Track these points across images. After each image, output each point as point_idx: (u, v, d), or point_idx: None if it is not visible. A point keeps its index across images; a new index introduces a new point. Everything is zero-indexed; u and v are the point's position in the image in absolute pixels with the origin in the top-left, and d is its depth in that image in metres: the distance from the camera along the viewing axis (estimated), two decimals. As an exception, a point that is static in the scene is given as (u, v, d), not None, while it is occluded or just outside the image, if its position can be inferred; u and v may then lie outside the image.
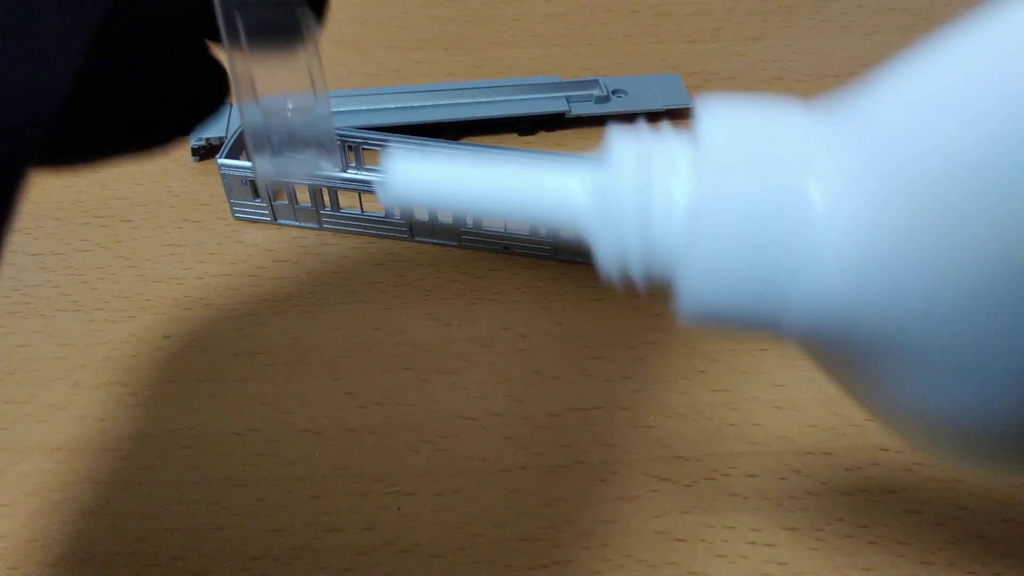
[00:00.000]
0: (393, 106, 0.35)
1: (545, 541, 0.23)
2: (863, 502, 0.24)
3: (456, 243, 0.32)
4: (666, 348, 0.28)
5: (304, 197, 0.32)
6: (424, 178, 0.15)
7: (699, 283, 0.12)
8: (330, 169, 0.17)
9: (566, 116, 0.36)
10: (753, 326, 0.12)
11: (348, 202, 0.32)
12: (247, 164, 0.31)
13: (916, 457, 0.25)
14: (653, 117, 0.37)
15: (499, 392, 0.27)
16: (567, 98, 0.36)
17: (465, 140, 0.35)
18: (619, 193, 0.13)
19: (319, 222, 0.32)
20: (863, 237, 0.11)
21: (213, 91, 0.17)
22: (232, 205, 0.32)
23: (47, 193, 0.33)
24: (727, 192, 0.12)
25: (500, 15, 0.43)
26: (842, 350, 0.12)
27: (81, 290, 0.30)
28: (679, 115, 0.37)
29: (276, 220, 0.32)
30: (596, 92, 0.36)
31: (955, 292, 0.10)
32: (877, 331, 0.11)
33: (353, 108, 0.35)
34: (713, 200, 0.12)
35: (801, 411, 0.26)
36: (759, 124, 0.12)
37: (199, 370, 0.28)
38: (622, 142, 0.13)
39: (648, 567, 0.23)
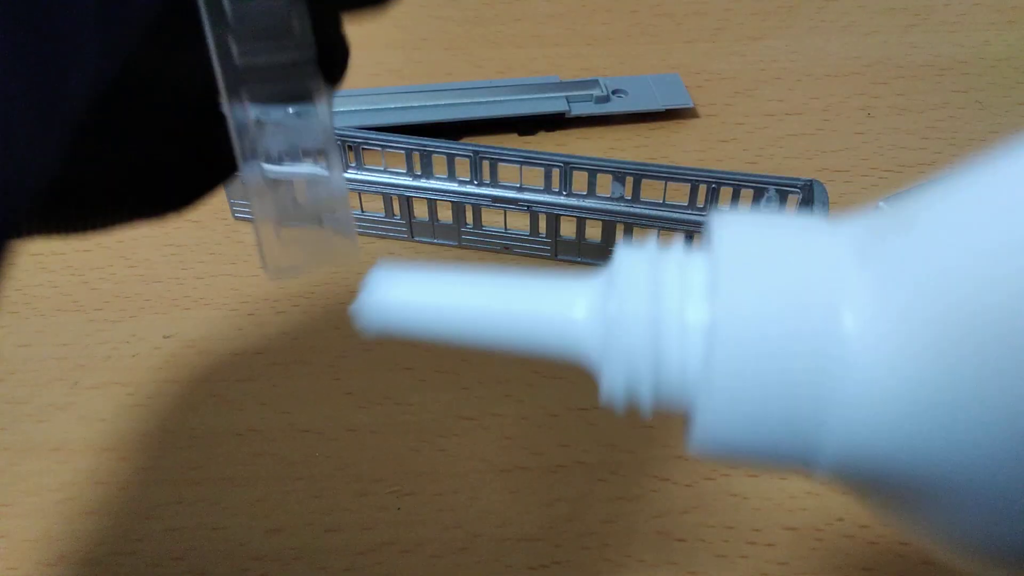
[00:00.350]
0: (393, 106, 0.35)
1: (545, 541, 0.23)
2: (863, 502, 0.24)
3: (456, 243, 0.32)
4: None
5: (304, 197, 0.32)
6: (407, 301, 0.13)
7: (717, 417, 0.11)
8: (347, 256, 0.15)
9: (566, 116, 0.36)
10: (777, 463, 0.11)
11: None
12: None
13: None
14: (653, 117, 0.37)
15: (499, 392, 0.27)
16: (567, 98, 0.36)
17: (465, 140, 0.35)
18: (628, 320, 0.12)
19: (319, 222, 0.32)
20: (905, 377, 0.10)
21: (231, 152, 0.16)
22: (232, 205, 0.32)
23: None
24: (751, 320, 0.11)
25: (500, 15, 0.43)
26: (879, 487, 0.11)
27: (81, 290, 0.30)
28: (679, 114, 0.37)
29: (276, 220, 0.32)
30: (596, 92, 0.36)
31: (1003, 435, 0.10)
32: (920, 471, 0.10)
33: (353, 108, 0.35)
34: (735, 328, 0.11)
35: (801, 411, 0.26)
36: (782, 245, 0.11)
37: (199, 370, 0.28)
38: (630, 261, 0.12)
39: (648, 567, 0.23)
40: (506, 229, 0.31)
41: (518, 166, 0.30)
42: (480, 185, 0.31)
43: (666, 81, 0.38)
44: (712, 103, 0.38)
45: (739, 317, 0.11)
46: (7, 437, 0.26)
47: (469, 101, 0.36)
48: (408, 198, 0.31)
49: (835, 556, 0.23)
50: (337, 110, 0.35)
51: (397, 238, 0.32)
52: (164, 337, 0.29)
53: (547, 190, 0.31)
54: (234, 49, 0.13)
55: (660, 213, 0.30)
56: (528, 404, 0.27)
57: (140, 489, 0.25)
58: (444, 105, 0.36)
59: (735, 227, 0.12)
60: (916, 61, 0.40)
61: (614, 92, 0.37)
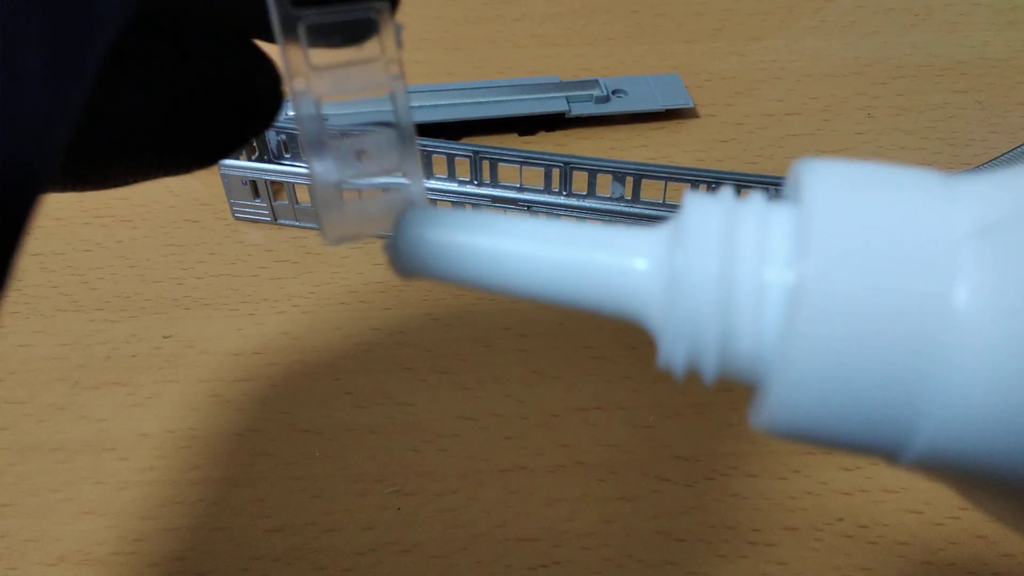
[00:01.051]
0: (393, 106, 0.35)
1: (545, 541, 0.23)
2: (863, 502, 0.24)
3: (456, 243, 0.32)
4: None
5: (304, 197, 0.32)
6: (447, 238, 0.12)
7: (795, 392, 0.10)
8: (416, 200, 0.13)
9: (566, 116, 0.36)
10: (858, 447, 0.10)
11: (348, 202, 0.32)
12: (248, 164, 0.31)
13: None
14: (653, 117, 0.37)
15: (499, 392, 0.27)
16: (567, 98, 0.36)
17: (465, 140, 0.35)
18: (696, 276, 0.10)
19: (320, 222, 0.32)
20: (1018, 368, 0.09)
21: (266, 101, 0.15)
22: (232, 205, 0.32)
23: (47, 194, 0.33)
24: (845, 284, 0.09)
25: (500, 15, 0.43)
26: (972, 478, 0.10)
27: (81, 290, 0.30)
28: (679, 115, 0.37)
29: (276, 220, 0.32)
30: (596, 92, 0.36)
31: None
32: (1018, 468, 0.10)
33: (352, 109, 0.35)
34: (825, 291, 0.09)
35: (801, 411, 0.26)
36: (887, 201, 0.10)
37: (199, 370, 0.28)
38: (701, 211, 0.11)
39: (648, 567, 0.23)
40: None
41: (518, 166, 0.30)
42: (480, 185, 0.31)
43: (666, 81, 0.38)
44: (712, 103, 0.38)
45: (831, 279, 0.09)
46: (7, 437, 0.26)
47: (469, 101, 0.36)
48: (408, 198, 0.31)
49: (835, 556, 0.23)
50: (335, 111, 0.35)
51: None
52: (164, 337, 0.29)
53: (547, 190, 0.31)
54: None
55: (660, 213, 0.30)
56: (528, 404, 0.27)
57: (140, 489, 0.25)
58: (444, 105, 0.36)
59: (830, 176, 0.10)
60: (916, 61, 0.40)
61: (614, 92, 0.37)
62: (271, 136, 0.32)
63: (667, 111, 0.36)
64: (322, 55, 0.12)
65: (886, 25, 0.42)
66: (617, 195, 0.30)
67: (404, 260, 0.12)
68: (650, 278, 0.11)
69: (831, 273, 0.10)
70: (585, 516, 0.24)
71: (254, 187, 0.32)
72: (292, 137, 0.32)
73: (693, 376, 0.11)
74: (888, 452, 0.10)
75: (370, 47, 0.12)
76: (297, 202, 0.32)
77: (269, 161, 0.32)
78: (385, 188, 0.13)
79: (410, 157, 0.13)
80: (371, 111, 0.13)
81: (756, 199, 0.11)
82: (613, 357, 0.28)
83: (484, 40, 0.42)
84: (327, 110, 0.12)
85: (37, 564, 0.23)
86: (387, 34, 0.12)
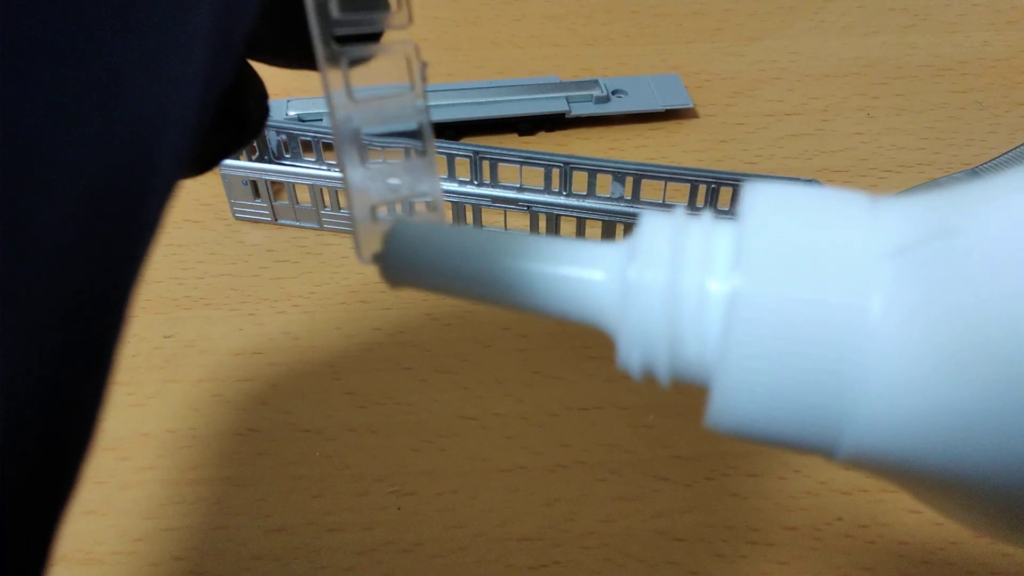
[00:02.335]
0: (393, 106, 0.35)
1: (545, 541, 0.23)
2: (862, 502, 0.24)
3: (456, 243, 0.32)
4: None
5: (304, 197, 0.32)
6: (430, 252, 0.13)
7: (734, 393, 0.11)
8: (430, 185, 0.15)
9: (566, 116, 0.36)
10: (795, 444, 0.11)
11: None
12: (248, 164, 0.31)
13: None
14: (652, 117, 0.37)
15: (499, 392, 0.27)
16: (567, 98, 0.36)
17: (466, 140, 0.35)
18: (646, 287, 0.11)
19: (319, 222, 0.32)
20: (929, 376, 0.10)
21: (256, 113, 0.16)
22: (232, 205, 0.32)
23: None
24: (774, 295, 0.10)
25: (500, 16, 0.43)
26: (900, 473, 0.11)
27: (81, 290, 0.30)
28: (678, 115, 0.37)
29: (276, 220, 0.32)
30: (596, 92, 0.36)
31: None
32: (942, 465, 0.10)
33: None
34: (757, 301, 0.10)
35: (801, 411, 0.26)
36: (816, 220, 0.11)
37: (199, 370, 0.28)
38: (653, 228, 0.12)
39: (648, 567, 0.23)
40: (506, 229, 0.31)
41: (518, 166, 0.30)
42: (480, 185, 0.31)
43: (666, 81, 0.38)
44: (712, 103, 0.38)
45: (762, 291, 0.10)
46: (7, 437, 0.26)
47: (469, 101, 0.36)
48: (408, 198, 0.31)
49: (834, 556, 0.23)
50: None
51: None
52: (165, 337, 0.29)
53: (547, 190, 0.31)
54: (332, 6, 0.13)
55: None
56: (528, 404, 0.27)
57: (141, 489, 0.25)
58: (444, 105, 0.36)
59: (767, 197, 0.11)
60: (915, 61, 0.40)
61: (614, 92, 0.37)
62: (271, 136, 0.32)
63: (667, 111, 0.37)
64: (360, 90, 0.13)
65: (885, 25, 0.42)
66: (617, 195, 0.30)
67: (393, 272, 0.14)
68: (607, 289, 0.12)
69: (761, 286, 0.10)
70: (585, 515, 0.24)
71: (254, 187, 0.32)
72: (292, 137, 0.32)
73: (650, 378, 0.12)
74: (822, 450, 0.11)
75: (400, 82, 0.14)
76: (297, 202, 0.32)
77: (269, 161, 0.32)
78: (410, 207, 0.15)
79: (434, 177, 0.15)
80: (396, 141, 0.15)
81: (706, 217, 0.12)
82: (613, 357, 0.28)
83: (484, 41, 0.42)
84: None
85: (38, 564, 0.23)
86: (415, 70, 0.14)
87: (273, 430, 0.26)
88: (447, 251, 0.13)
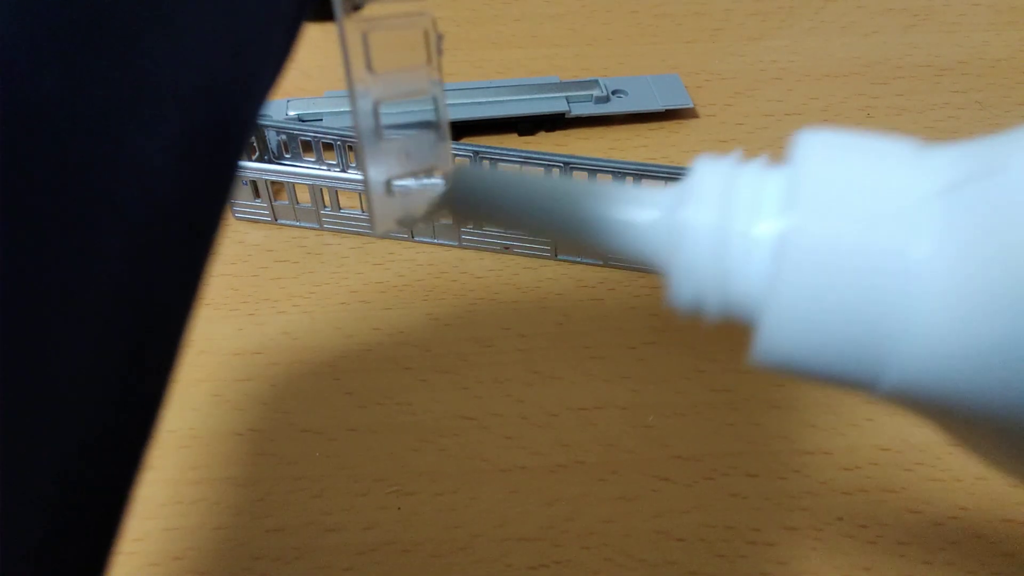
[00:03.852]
0: (393, 106, 0.35)
1: (545, 540, 0.23)
2: (862, 502, 0.24)
3: (457, 243, 0.32)
4: (666, 348, 0.28)
5: (305, 197, 0.32)
6: (492, 182, 0.14)
7: (781, 329, 0.11)
8: (443, 164, 0.16)
9: (566, 116, 0.36)
10: (838, 380, 0.11)
11: (349, 202, 0.32)
12: (248, 164, 0.31)
13: (915, 456, 0.25)
14: (652, 117, 0.37)
15: (499, 392, 0.27)
16: (567, 98, 0.36)
17: (466, 140, 0.35)
18: (696, 228, 0.12)
19: (319, 222, 0.32)
20: (972, 313, 0.10)
21: None
22: (232, 205, 0.32)
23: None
24: (822, 236, 0.11)
25: (500, 15, 0.43)
26: (941, 412, 0.11)
27: (81, 290, 0.30)
28: (678, 115, 0.37)
29: (276, 220, 0.32)
30: (596, 92, 0.36)
31: None
32: (982, 404, 0.11)
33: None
34: (804, 242, 0.11)
35: (800, 411, 0.26)
36: (866, 165, 0.11)
37: (199, 370, 0.28)
38: (706, 171, 0.12)
39: (648, 566, 0.23)
40: (507, 229, 0.31)
41: (518, 166, 0.30)
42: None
43: (666, 81, 0.38)
44: (712, 103, 0.38)
45: (812, 230, 0.11)
46: (7, 437, 0.26)
47: (469, 101, 0.36)
48: (408, 198, 0.31)
49: (834, 556, 0.23)
50: (339, 110, 0.35)
51: (397, 238, 0.32)
52: (164, 337, 0.29)
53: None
54: None
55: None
56: (528, 404, 0.27)
57: (140, 488, 0.25)
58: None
59: (818, 143, 0.12)
60: (915, 61, 0.40)
61: (614, 92, 0.37)
62: (272, 136, 0.32)
63: (667, 111, 0.36)
64: (378, 63, 0.14)
65: (885, 25, 0.42)
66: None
67: (461, 208, 0.14)
68: (660, 228, 0.13)
69: (810, 226, 0.11)
70: (585, 515, 0.24)
71: (254, 187, 0.32)
72: (292, 137, 0.32)
73: (696, 322, 0.13)
74: (864, 384, 0.11)
75: (416, 55, 0.14)
76: (297, 202, 0.32)
77: (270, 161, 0.32)
78: (423, 185, 0.15)
79: (445, 153, 0.15)
80: (411, 111, 0.15)
81: (757, 162, 0.12)
82: (613, 357, 0.28)
83: (485, 40, 0.42)
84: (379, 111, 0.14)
85: (37, 564, 0.23)
86: (431, 42, 0.14)
87: (273, 430, 0.26)
88: (510, 192, 0.14)
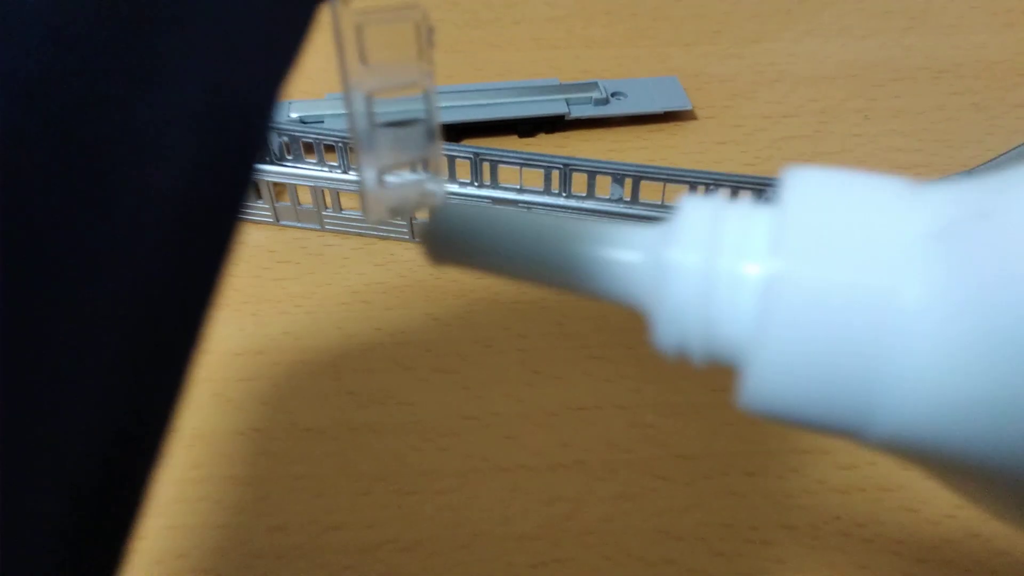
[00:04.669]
0: (394, 108, 0.35)
1: (545, 539, 0.24)
2: (860, 500, 0.24)
3: (456, 244, 0.32)
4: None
5: (306, 198, 0.32)
6: (471, 232, 0.14)
7: (767, 375, 0.11)
8: (435, 202, 0.16)
9: (566, 118, 0.36)
10: (826, 427, 0.11)
11: (350, 203, 0.32)
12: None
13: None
14: (651, 119, 0.37)
15: (499, 392, 0.27)
16: (567, 100, 0.36)
17: (465, 142, 0.35)
18: (681, 269, 0.12)
19: (321, 223, 0.32)
20: (962, 366, 0.10)
21: None
22: (234, 206, 0.32)
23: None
24: (811, 279, 0.10)
25: (500, 18, 0.44)
26: (930, 462, 0.11)
27: (84, 290, 0.30)
28: (677, 117, 0.37)
29: (278, 221, 0.33)
30: (595, 94, 0.36)
31: None
32: (972, 457, 0.10)
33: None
34: (793, 285, 0.10)
35: (799, 411, 0.26)
36: (856, 206, 0.11)
37: (201, 370, 0.28)
38: (692, 211, 0.12)
39: (647, 565, 0.23)
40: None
41: (518, 168, 0.30)
42: (480, 187, 0.31)
43: (665, 84, 0.38)
44: (710, 105, 0.38)
45: (799, 273, 0.10)
46: (11, 436, 0.26)
47: (469, 103, 0.36)
48: (409, 199, 0.31)
49: (832, 554, 0.23)
50: (338, 113, 0.35)
51: (398, 239, 0.32)
52: (167, 337, 0.29)
53: (547, 192, 0.31)
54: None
55: (659, 215, 0.30)
56: (528, 404, 0.27)
57: (143, 488, 0.25)
58: (444, 107, 0.36)
59: (808, 182, 0.11)
60: (913, 64, 0.40)
61: (613, 94, 0.37)
62: (273, 138, 0.32)
63: (666, 113, 0.37)
64: (371, 56, 0.14)
65: (883, 28, 0.42)
66: (616, 197, 0.30)
67: (437, 250, 0.14)
68: (644, 270, 0.12)
69: (798, 268, 0.11)
70: (585, 514, 0.24)
71: (256, 188, 0.32)
72: (294, 139, 0.32)
73: (685, 365, 0.12)
74: (853, 432, 0.11)
75: (408, 48, 0.15)
76: (299, 203, 0.32)
77: (271, 163, 0.32)
78: (415, 178, 0.16)
79: (435, 148, 0.16)
80: (404, 109, 0.16)
81: (744, 202, 0.12)
82: (613, 357, 0.28)
83: (484, 43, 0.42)
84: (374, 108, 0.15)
85: (41, 562, 0.23)
86: (423, 36, 0.15)
87: (275, 429, 0.26)
88: (488, 231, 0.14)
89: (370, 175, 0.15)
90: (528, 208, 0.31)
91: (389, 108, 0.15)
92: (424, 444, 0.26)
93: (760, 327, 0.11)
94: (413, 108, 0.15)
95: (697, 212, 0.12)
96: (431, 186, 0.16)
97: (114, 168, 0.08)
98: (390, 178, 0.15)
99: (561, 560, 0.23)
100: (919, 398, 0.10)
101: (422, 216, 0.15)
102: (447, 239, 0.14)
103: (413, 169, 0.16)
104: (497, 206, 0.15)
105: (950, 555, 0.23)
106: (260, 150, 0.11)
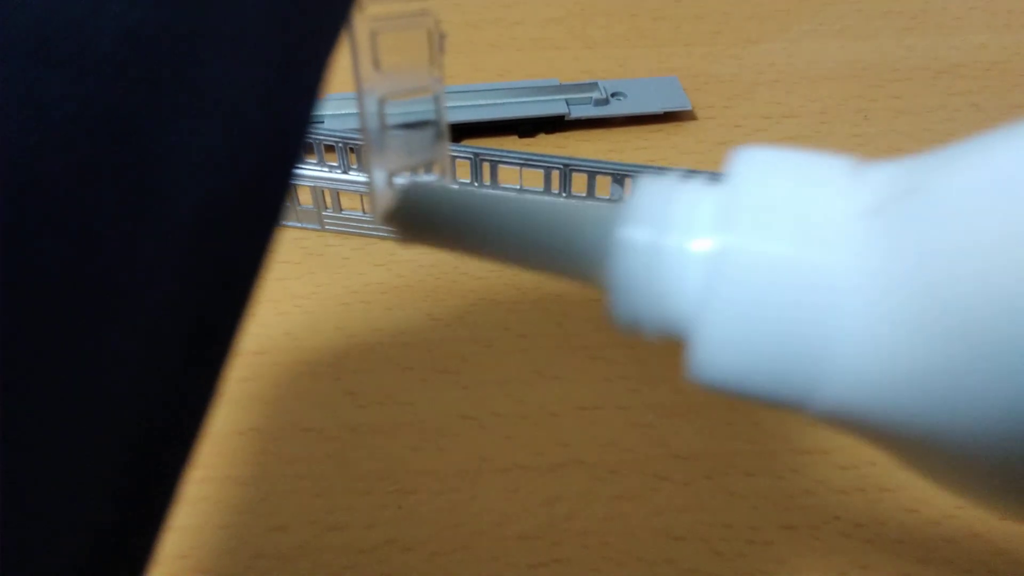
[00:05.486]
0: (394, 108, 0.35)
1: (545, 539, 0.24)
2: (860, 501, 0.24)
3: (456, 244, 0.32)
4: (665, 348, 0.28)
5: (306, 199, 0.32)
6: (436, 211, 0.14)
7: (713, 347, 0.11)
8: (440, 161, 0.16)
9: (566, 118, 0.36)
10: (771, 398, 0.11)
11: (350, 203, 0.32)
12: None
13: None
14: (651, 119, 0.37)
15: (499, 392, 0.27)
16: (567, 100, 0.36)
17: (466, 142, 0.35)
18: (633, 246, 0.12)
19: (321, 223, 0.32)
20: (899, 337, 0.10)
21: None
22: (234, 206, 0.32)
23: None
24: (754, 254, 0.11)
25: (500, 19, 0.44)
26: (871, 433, 0.11)
27: (84, 291, 0.30)
28: (677, 117, 0.37)
29: (278, 221, 0.33)
30: (595, 95, 0.36)
31: (990, 409, 0.10)
32: (912, 426, 0.10)
33: (355, 111, 0.35)
34: (737, 260, 0.11)
35: (798, 411, 0.26)
36: (801, 184, 0.11)
37: (202, 370, 0.28)
38: (646, 190, 0.12)
39: (647, 565, 0.23)
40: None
41: (518, 168, 0.30)
42: (480, 187, 0.31)
43: (665, 84, 0.38)
44: (710, 106, 0.38)
45: (742, 248, 0.11)
46: (11, 436, 0.26)
47: (469, 104, 0.36)
48: (409, 200, 0.31)
49: (832, 554, 0.23)
50: (340, 112, 0.35)
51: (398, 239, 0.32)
52: (167, 337, 0.29)
53: (547, 192, 0.31)
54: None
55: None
56: (528, 404, 0.27)
57: (143, 488, 0.25)
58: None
59: (755, 161, 0.12)
60: (912, 64, 0.40)
61: (613, 95, 0.37)
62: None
63: (666, 114, 0.37)
64: (384, 61, 0.14)
65: (883, 28, 0.42)
66: (616, 197, 0.30)
67: (404, 228, 0.15)
68: (598, 246, 0.13)
69: (741, 244, 0.11)
70: (585, 514, 0.24)
71: (256, 189, 0.32)
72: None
73: (636, 333, 0.13)
74: (797, 403, 0.11)
75: (420, 54, 0.15)
76: (299, 203, 0.32)
77: (271, 163, 0.32)
78: (423, 178, 0.16)
79: (443, 150, 0.16)
80: (413, 112, 0.16)
81: (697, 180, 0.12)
82: (613, 357, 0.28)
83: (484, 44, 0.42)
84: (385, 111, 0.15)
85: (42, 562, 0.23)
86: (434, 42, 0.15)
87: (275, 429, 0.26)
88: (453, 210, 0.14)
89: (380, 176, 0.15)
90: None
91: (399, 111, 0.15)
92: (424, 444, 0.26)
93: (705, 300, 0.11)
94: (422, 111, 0.16)
95: (651, 190, 0.12)
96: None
97: (167, 183, 0.09)
98: (399, 179, 0.15)
99: (561, 560, 0.23)
100: (858, 370, 0.10)
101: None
102: (414, 217, 0.14)
103: (420, 171, 0.16)
104: (460, 187, 0.15)
105: (950, 555, 0.23)
106: (298, 159, 0.11)
